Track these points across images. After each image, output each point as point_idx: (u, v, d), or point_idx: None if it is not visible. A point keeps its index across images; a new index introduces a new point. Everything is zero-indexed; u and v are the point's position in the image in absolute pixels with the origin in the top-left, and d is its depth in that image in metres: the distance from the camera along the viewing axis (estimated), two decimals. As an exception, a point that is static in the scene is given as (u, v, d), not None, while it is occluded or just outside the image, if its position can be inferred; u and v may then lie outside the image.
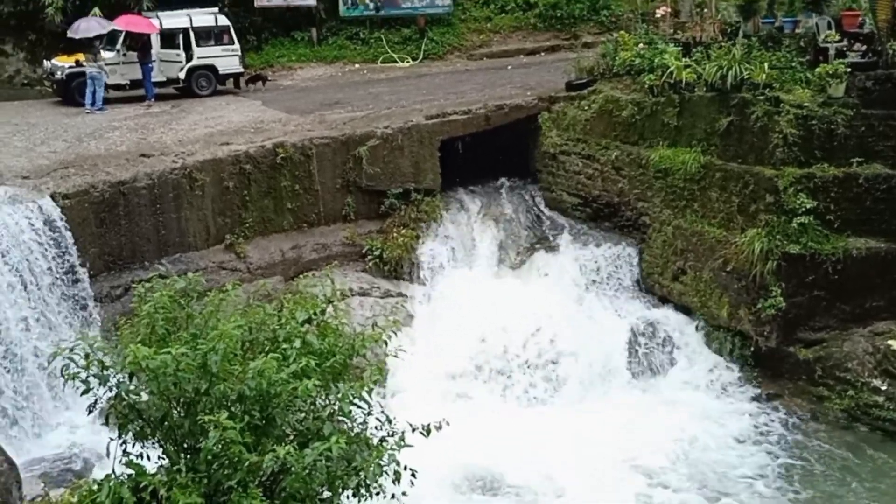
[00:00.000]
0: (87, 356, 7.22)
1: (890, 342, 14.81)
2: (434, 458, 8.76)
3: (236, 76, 23.80)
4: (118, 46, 22.14)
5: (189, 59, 22.76)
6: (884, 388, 14.60)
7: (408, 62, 27.11)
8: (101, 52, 21.67)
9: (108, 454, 7.46)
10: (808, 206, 15.03)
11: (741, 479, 13.69)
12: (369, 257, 17.75)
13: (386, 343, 8.08)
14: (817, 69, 15.58)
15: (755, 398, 15.72)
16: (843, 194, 15.26)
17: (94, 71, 21.20)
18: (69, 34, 21.74)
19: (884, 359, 14.71)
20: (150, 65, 22.12)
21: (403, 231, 18.02)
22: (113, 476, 7.15)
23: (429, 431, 7.68)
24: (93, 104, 21.20)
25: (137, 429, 7.35)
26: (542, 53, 27.27)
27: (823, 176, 15.22)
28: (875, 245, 15.28)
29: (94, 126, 19.26)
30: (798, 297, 15.35)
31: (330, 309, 8.40)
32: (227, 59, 23.20)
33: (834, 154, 15.33)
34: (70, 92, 22.04)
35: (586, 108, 18.92)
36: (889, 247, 15.27)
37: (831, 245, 15.18)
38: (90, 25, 21.90)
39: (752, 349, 15.90)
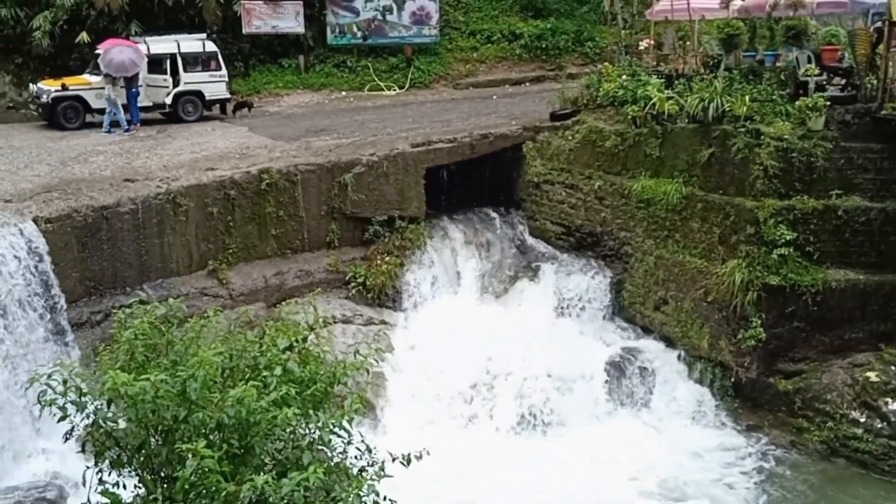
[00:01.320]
0: (64, 382, 7.17)
1: (868, 374, 14.92)
2: (417, 488, 8.71)
3: (223, 102, 23.87)
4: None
5: (176, 84, 22.79)
6: (862, 420, 14.69)
7: (394, 90, 27.30)
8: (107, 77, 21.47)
9: (84, 483, 7.37)
10: (788, 238, 15.20)
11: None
12: (352, 284, 17.75)
13: (368, 371, 8.05)
14: (797, 102, 15.83)
15: (736, 429, 15.79)
16: (822, 226, 15.44)
17: (111, 96, 21.30)
18: (103, 69, 21.27)
19: (862, 391, 14.81)
20: (136, 89, 22.12)
21: (387, 258, 18.03)
22: (88, 505, 7.08)
23: (409, 461, 7.64)
24: (117, 126, 21.32)
25: (114, 457, 7.25)
26: (527, 84, 27.57)
27: (803, 208, 15.41)
28: (854, 277, 15.45)
29: (79, 150, 19.22)
30: (778, 329, 15.47)
31: (312, 336, 8.37)
32: (214, 84, 23.25)
33: (813, 186, 15.53)
34: (55, 115, 22.00)
35: (570, 138, 19.10)
36: (868, 279, 15.44)
37: (811, 277, 15.32)
38: (123, 61, 21.29)
39: (732, 380, 15.97)
